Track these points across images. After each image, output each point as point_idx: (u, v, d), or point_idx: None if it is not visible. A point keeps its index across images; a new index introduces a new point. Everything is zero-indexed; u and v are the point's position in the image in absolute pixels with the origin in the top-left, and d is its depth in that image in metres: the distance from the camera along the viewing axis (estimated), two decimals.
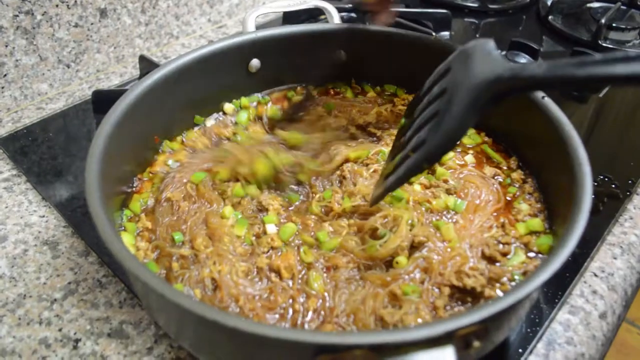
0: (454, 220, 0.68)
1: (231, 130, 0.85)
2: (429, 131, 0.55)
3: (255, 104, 0.91)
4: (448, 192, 0.72)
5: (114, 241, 0.51)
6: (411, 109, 0.63)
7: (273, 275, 0.61)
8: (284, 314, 0.58)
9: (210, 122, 0.87)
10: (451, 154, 0.79)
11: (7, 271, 0.73)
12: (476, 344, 0.47)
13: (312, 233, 0.66)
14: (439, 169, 0.76)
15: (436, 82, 0.59)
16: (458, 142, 0.53)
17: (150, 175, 0.77)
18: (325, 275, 0.61)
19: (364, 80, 0.96)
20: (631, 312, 2.02)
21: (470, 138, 0.83)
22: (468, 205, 0.70)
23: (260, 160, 0.73)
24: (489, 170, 0.77)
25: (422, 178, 0.74)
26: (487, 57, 0.53)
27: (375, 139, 0.83)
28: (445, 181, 0.74)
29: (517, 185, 0.74)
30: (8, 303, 0.69)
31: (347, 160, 0.77)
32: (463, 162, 0.79)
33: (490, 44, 0.55)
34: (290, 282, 0.61)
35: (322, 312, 0.58)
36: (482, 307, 0.45)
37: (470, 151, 0.81)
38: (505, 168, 0.78)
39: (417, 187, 0.73)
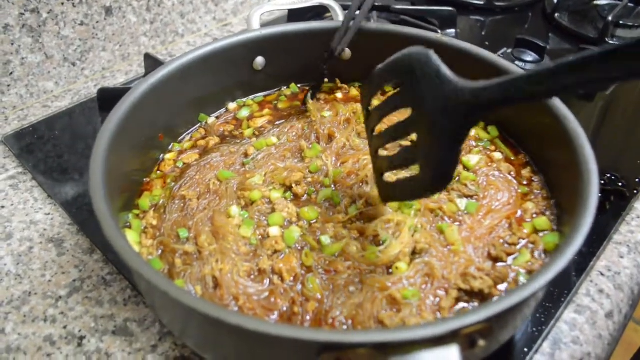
0: (462, 220, 0.67)
1: (234, 126, 0.86)
2: (422, 171, 0.56)
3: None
4: (465, 195, 0.71)
5: (117, 239, 0.51)
6: (368, 100, 0.66)
7: (275, 277, 0.61)
8: (283, 316, 0.58)
9: (211, 119, 0.87)
10: (477, 157, 0.77)
11: (12, 268, 0.73)
12: (481, 342, 0.46)
13: (317, 236, 0.66)
14: (464, 173, 0.74)
15: (394, 98, 0.60)
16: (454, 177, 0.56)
17: (159, 173, 0.77)
18: (324, 278, 0.61)
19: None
20: (639, 312, 2.00)
21: (489, 132, 0.82)
22: (483, 208, 0.69)
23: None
24: (504, 167, 0.76)
25: None
26: (443, 78, 0.52)
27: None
28: (465, 185, 0.72)
29: (525, 183, 0.74)
30: (13, 300, 0.69)
31: None
32: (491, 162, 0.77)
33: (433, 56, 0.54)
34: (292, 285, 0.61)
35: (320, 315, 0.58)
36: (487, 306, 0.45)
37: (492, 146, 0.80)
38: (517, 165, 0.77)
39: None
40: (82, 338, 0.64)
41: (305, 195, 0.72)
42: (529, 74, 0.45)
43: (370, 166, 0.73)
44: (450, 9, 1.29)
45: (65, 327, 0.66)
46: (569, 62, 0.42)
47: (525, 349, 0.62)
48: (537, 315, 0.65)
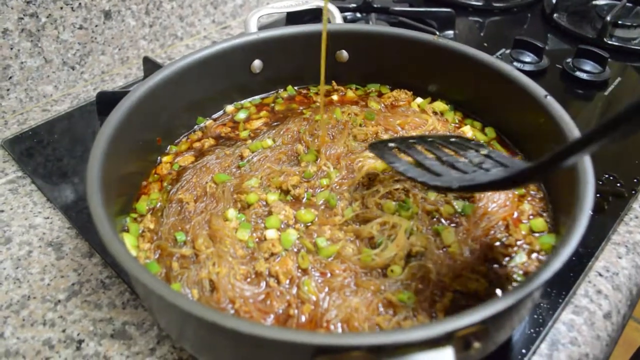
0: (459, 222, 0.67)
1: (230, 128, 0.86)
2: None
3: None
4: (462, 197, 0.71)
5: (113, 242, 0.51)
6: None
7: (272, 280, 0.61)
8: (279, 318, 0.58)
9: (208, 122, 0.88)
10: None
11: (11, 272, 0.73)
12: (476, 344, 0.46)
13: (314, 238, 0.66)
14: None
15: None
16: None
17: (156, 176, 0.77)
18: (320, 281, 0.61)
19: (367, 80, 0.96)
20: None
21: (486, 134, 0.83)
22: (479, 209, 0.69)
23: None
24: None
25: None
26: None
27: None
28: None
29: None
30: (12, 304, 0.69)
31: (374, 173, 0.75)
32: None
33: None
34: (288, 287, 0.61)
35: (316, 318, 0.58)
36: (481, 307, 0.45)
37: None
38: None
39: (432, 195, 0.71)
40: (80, 342, 0.65)
41: (305, 198, 0.72)
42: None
43: (366, 168, 0.74)
44: (448, 10, 1.29)
45: (64, 331, 0.66)
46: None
47: (523, 350, 0.62)
48: (535, 316, 0.65)
